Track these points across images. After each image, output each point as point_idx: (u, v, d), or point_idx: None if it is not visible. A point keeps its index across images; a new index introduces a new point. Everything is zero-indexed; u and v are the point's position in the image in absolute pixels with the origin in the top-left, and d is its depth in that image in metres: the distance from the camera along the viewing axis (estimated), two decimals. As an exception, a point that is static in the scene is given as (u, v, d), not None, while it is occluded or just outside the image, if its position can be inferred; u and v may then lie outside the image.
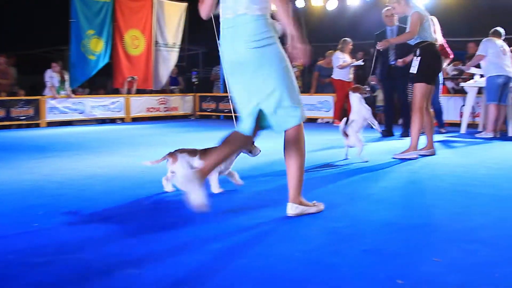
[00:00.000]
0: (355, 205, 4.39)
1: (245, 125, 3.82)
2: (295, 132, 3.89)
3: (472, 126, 11.59)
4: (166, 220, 3.98)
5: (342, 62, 12.42)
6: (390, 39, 8.37)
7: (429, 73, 7.10)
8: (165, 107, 16.36)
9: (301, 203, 3.97)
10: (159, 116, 16.23)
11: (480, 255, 3.06)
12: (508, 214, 4.05)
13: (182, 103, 16.96)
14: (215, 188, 4.87)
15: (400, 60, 9.43)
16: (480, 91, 11.05)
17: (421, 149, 7.25)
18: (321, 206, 4.11)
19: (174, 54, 17.31)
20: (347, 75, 12.57)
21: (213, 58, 18.52)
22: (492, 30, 10.02)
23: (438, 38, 8.05)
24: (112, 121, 15.20)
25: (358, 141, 6.66)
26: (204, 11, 3.92)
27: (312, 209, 4.02)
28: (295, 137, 3.89)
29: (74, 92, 14.49)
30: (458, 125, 11.27)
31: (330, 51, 14.11)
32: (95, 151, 8.15)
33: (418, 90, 7.02)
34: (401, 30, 9.53)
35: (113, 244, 3.35)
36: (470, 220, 3.86)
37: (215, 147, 4.00)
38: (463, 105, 11.50)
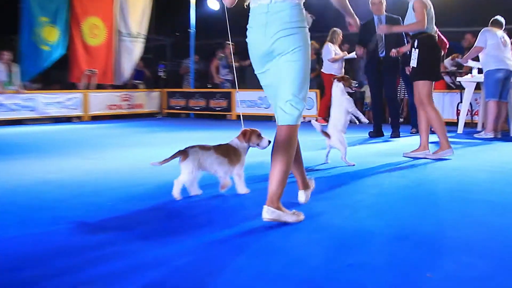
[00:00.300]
0: (339, 214, 4.37)
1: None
2: (289, 131, 4.01)
3: (470, 125, 11.71)
4: (122, 226, 3.93)
5: (334, 55, 12.36)
6: (394, 26, 8.10)
7: (428, 68, 7.22)
8: (128, 104, 16.30)
9: (278, 208, 3.97)
10: (122, 115, 16.15)
11: (476, 269, 3.05)
12: (509, 223, 4.06)
13: (148, 99, 16.91)
14: (242, 189, 5.01)
15: (394, 50, 9.46)
16: (478, 86, 11.14)
17: (414, 150, 7.42)
18: (301, 216, 4.09)
19: (139, 45, 17.24)
20: (340, 70, 12.49)
21: (183, 49, 18.52)
22: (492, 19, 10.08)
23: None
24: (68, 119, 15.08)
25: (341, 143, 6.62)
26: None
27: (291, 218, 4.00)
28: (287, 136, 4.01)
29: (24, 87, 14.34)
30: (454, 124, 11.36)
31: (311, 41, 14.09)
32: (48, 154, 8.06)
33: (421, 88, 7.18)
34: (389, 20, 9.58)
35: (66, 259, 3.30)
36: (466, 230, 3.86)
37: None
38: (460, 102, 11.54)
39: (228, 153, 4.91)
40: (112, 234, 3.82)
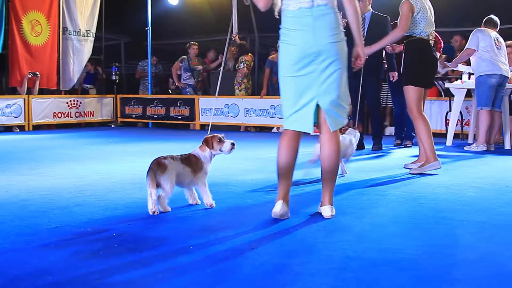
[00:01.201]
0: (311, 236, 4.42)
1: (304, 123, 4.73)
2: (337, 136, 4.83)
3: (460, 136, 11.83)
4: (77, 259, 3.93)
5: None
6: (373, 45, 8.08)
7: (415, 74, 7.46)
8: (77, 112, 16.21)
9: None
10: (70, 124, 16.05)
11: (464, 299, 3.12)
12: (500, 248, 4.12)
13: (100, 106, 16.84)
14: (208, 200, 5.36)
15: (388, 47, 9.55)
16: (469, 93, 11.22)
17: (412, 163, 7.77)
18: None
19: (88, 45, 17.14)
20: None
21: (139, 49, 18.47)
22: (486, 18, 10.13)
23: None
24: (7, 129, 14.94)
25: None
26: (264, 1, 4.71)
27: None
28: (335, 139, 4.81)
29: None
30: (443, 135, 11.44)
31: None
32: (-17, 169, 8.01)
33: (408, 94, 7.45)
34: (374, 18, 9.67)
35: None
36: (453, 255, 3.92)
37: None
38: (449, 111, 11.59)
39: (191, 163, 5.20)
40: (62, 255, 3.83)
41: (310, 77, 4.66)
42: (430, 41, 7.47)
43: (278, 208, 4.82)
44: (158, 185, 5.03)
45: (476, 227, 4.71)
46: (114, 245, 4.20)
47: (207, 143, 5.28)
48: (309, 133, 4.83)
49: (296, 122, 4.78)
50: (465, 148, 10.08)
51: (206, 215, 5.16)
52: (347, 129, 7.57)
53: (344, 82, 4.78)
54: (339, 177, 7.02)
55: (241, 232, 4.52)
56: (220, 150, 5.28)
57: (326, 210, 4.92)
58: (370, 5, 9.96)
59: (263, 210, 5.34)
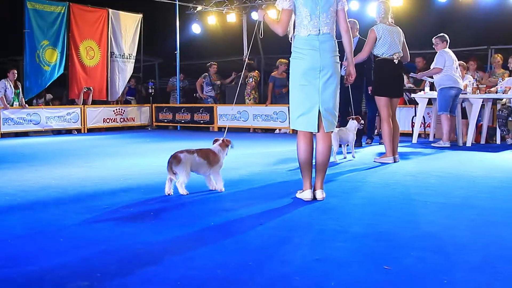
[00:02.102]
0: (307, 214, 4.41)
1: (311, 124, 4.87)
2: (330, 136, 4.99)
3: (423, 136, 11.82)
4: (123, 232, 3.93)
5: None
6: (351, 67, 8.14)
7: (378, 86, 7.73)
8: (121, 118, 16.22)
9: None
10: (116, 127, 16.08)
11: (428, 262, 3.10)
12: (456, 222, 4.12)
13: (139, 113, 16.85)
14: (220, 186, 5.44)
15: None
16: (430, 102, 11.24)
17: (381, 157, 7.71)
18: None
19: (130, 65, 17.17)
20: None
21: (169, 69, 18.48)
22: (443, 36, 9.97)
23: None
24: (68, 132, 14.98)
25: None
26: (284, 29, 4.93)
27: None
28: (328, 138, 4.96)
29: (29, 103, 14.30)
30: (410, 135, 11.44)
31: (280, 60, 14.20)
32: (50, 162, 8.02)
33: (377, 102, 7.68)
34: (361, 42, 9.65)
35: (64, 256, 3.29)
36: (419, 229, 3.91)
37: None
38: (414, 116, 11.62)
39: (208, 156, 5.28)
40: (112, 229, 3.84)
41: (314, 86, 4.83)
42: (394, 60, 7.52)
43: (308, 195, 4.90)
44: (175, 173, 5.16)
45: (437, 206, 4.70)
46: (152, 221, 4.20)
47: (224, 143, 5.43)
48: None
49: (303, 123, 4.89)
50: (433, 144, 9.95)
51: (223, 198, 5.16)
52: (350, 118, 8.19)
53: (337, 94, 4.96)
54: (347, 161, 7.64)
55: (252, 212, 4.51)
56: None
57: (319, 193, 4.93)
58: (358, 31, 9.97)
59: (268, 193, 5.35)
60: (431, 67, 10.04)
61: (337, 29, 5.01)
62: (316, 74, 4.82)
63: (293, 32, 4.98)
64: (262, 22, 5.23)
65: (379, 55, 7.62)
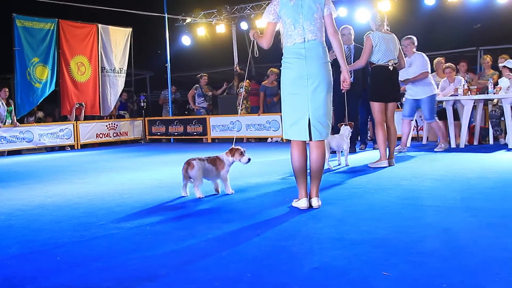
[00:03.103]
0: (303, 223, 4.40)
1: (302, 133, 4.89)
2: (323, 144, 5.01)
3: (416, 139, 11.85)
4: (120, 248, 3.91)
5: None
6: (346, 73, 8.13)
7: (372, 91, 7.80)
8: (114, 133, 16.21)
9: None
10: (109, 142, 16.06)
11: (427, 267, 3.10)
12: (452, 225, 4.11)
13: (132, 127, 16.83)
14: (228, 190, 5.90)
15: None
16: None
17: (375, 162, 7.78)
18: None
19: (121, 79, 17.17)
20: None
21: (161, 81, 18.51)
22: (412, 38, 9.64)
23: None
24: (61, 148, 14.95)
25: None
26: (268, 42, 5.08)
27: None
28: (321, 146, 4.97)
29: (21, 121, 14.27)
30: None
31: (271, 69, 14.23)
32: (44, 180, 7.99)
33: (372, 107, 7.79)
34: (357, 49, 9.66)
35: (62, 275, 3.27)
36: (416, 233, 3.91)
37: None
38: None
39: (216, 163, 5.79)
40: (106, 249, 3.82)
41: (303, 95, 4.85)
42: (389, 67, 7.58)
43: (304, 204, 4.91)
44: (190, 178, 5.69)
45: (433, 210, 4.70)
46: (148, 236, 4.19)
47: (231, 152, 5.82)
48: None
49: (294, 133, 4.93)
50: (435, 149, 9.67)
51: (219, 209, 5.15)
52: (342, 125, 8.15)
53: (328, 102, 4.94)
54: (341, 167, 7.71)
55: (248, 223, 4.50)
56: (239, 160, 5.81)
57: (314, 201, 4.93)
58: (353, 38, 10.03)
59: (264, 202, 5.35)
60: (414, 71, 9.52)
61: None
62: (304, 82, 4.84)
63: (283, 42, 5.04)
64: (255, 41, 5.32)
65: (374, 62, 7.72)
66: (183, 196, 5.78)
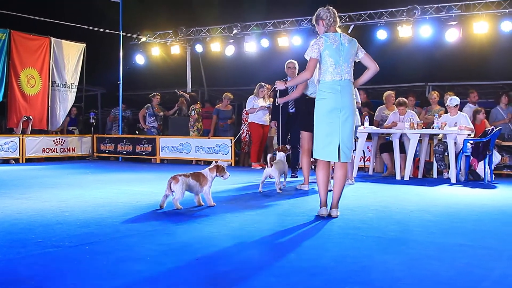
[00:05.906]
0: (240, 250, 4.39)
1: (332, 155, 5.79)
2: (346, 165, 5.95)
3: (363, 169, 12.01)
4: (56, 268, 3.82)
5: (252, 106, 12.49)
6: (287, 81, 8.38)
7: (303, 122, 8.26)
8: (61, 148, 15.95)
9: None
10: (56, 157, 15.78)
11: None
12: (391, 257, 4.17)
13: (80, 144, 16.60)
14: (210, 202, 6.52)
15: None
16: (369, 136, 11.45)
17: (300, 185, 8.58)
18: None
19: (72, 94, 16.95)
20: (261, 118, 12.60)
21: (112, 99, 18.35)
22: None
23: None
24: (5, 161, 14.61)
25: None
26: (311, 73, 5.94)
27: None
28: (346, 168, 5.93)
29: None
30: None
31: (226, 93, 14.28)
32: (-16, 194, 7.77)
33: (301, 136, 8.44)
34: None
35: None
36: (355, 263, 3.94)
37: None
38: (354, 150, 11.71)
39: (199, 178, 6.38)
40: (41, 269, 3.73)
41: (335, 124, 5.76)
42: None
43: (324, 212, 5.87)
44: (172, 191, 6.20)
45: (373, 241, 4.76)
46: (86, 256, 4.11)
47: (217, 169, 6.50)
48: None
49: (325, 154, 5.82)
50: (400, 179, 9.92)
51: (159, 232, 5.10)
52: (276, 150, 8.85)
53: (353, 130, 5.93)
54: (281, 191, 8.09)
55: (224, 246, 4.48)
56: (222, 176, 6.52)
57: (334, 212, 5.87)
58: (297, 71, 10.14)
59: (235, 218, 5.32)
60: None
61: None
62: (337, 113, 5.74)
63: (318, 77, 5.94)
64: (278, 91, 6.91)
65: (308, 95, 8.22)
66: (160, 207, 6.27)
